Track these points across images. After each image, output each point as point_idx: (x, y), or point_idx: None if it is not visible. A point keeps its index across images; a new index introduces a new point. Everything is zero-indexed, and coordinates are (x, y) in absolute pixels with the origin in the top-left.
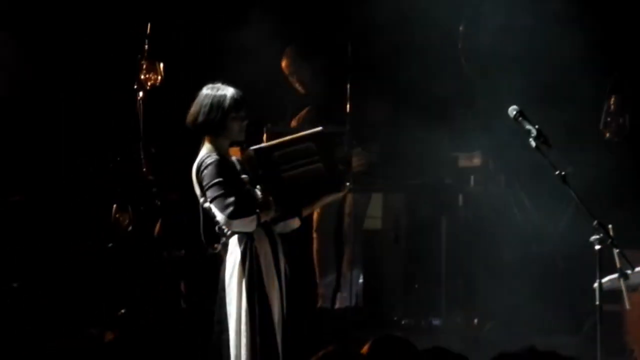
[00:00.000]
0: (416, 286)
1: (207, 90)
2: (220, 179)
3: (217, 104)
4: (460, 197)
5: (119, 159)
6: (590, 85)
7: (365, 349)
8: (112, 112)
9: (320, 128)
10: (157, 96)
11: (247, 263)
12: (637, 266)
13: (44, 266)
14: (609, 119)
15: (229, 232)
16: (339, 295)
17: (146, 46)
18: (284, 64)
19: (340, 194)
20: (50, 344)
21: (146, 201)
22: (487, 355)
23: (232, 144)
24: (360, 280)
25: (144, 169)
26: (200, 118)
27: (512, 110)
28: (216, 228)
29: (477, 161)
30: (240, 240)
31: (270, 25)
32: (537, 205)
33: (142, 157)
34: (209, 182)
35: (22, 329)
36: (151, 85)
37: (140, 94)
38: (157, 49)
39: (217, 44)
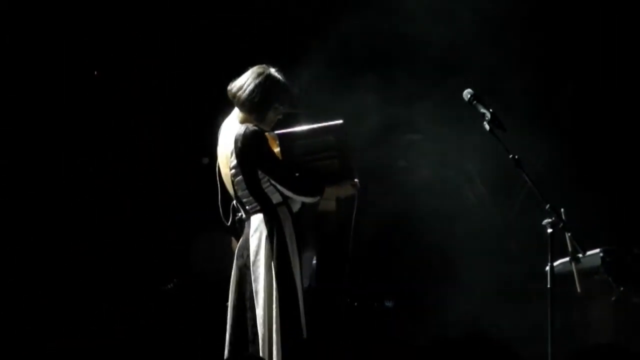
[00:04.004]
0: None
1: (258, 75)
2: (276, 155)
3: (265, 93)
4: (414, 180)
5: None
6: (545, 72)
7: None
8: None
9: (341, 121)
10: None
11: (275, 241)
12: (588, 250)
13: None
14: (565, 105)
15: (252, 210)
16: None
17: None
18: None
19: (352, 191)
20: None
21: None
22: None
23: None
24: (314, 262)
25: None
26: (245, 98)
27: (467, 94)
28: (234, 203)
29: (431, 145)
30: (268, 219)
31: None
32: (490, 188)
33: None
34: (264, 155)
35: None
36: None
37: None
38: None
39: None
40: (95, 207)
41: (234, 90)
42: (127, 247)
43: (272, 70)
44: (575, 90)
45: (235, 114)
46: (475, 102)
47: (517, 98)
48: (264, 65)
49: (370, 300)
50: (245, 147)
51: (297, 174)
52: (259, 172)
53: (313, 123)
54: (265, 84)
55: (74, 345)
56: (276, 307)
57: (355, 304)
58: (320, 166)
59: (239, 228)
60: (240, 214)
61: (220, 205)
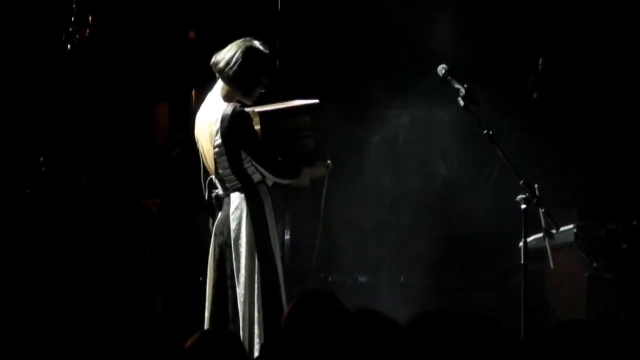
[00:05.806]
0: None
1: (247, 49)
2: (259, 136)
3: (255, 69)
4: (389, 155)
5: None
6: (518, 46)
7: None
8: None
9: (317, 101)
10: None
11: (256, 219)
12: (562, 225)
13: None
14: (537, 80)
15: (232, 187)
16: None
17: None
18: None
19: (325, 171)
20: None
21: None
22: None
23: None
24: (287, 237)
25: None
26: (233, 73)
27: (441, 69)
28: (212, 178)
29: (405, 119)
30: (249, 197)
31: None
32: (464, 163)
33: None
34: (248, 136)
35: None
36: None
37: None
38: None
39: None
40: (67, 185)
41: (221, 65)
42: (99, 223)
43: (258, 44)
44: (546, 67)
45: (218, 88)
46: (449, 77)
47: (488, 74)
48: (249, 39)
49: (344, 274)
50: (232, 128)
51: (277, 157)
52: (242, 152)
53: (289, 100)
54: (254, 60)
55: (46, 323)
56: (258, 286)
57: (330, 279)
58: (296, 145)
59: (216, 204)
60: (217, 191)
61: (202, 180)
